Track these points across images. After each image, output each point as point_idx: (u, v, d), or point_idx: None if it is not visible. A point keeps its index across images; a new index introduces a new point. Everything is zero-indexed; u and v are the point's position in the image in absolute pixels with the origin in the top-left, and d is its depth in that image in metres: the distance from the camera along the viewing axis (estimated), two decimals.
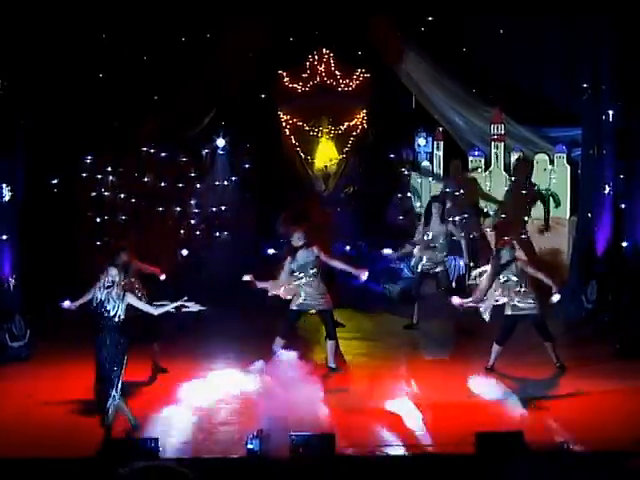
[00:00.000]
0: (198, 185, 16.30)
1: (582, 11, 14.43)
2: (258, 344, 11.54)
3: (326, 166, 17.06)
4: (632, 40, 13.54)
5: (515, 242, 11.77)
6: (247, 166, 16.54)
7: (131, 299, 8.90)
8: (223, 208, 16.34)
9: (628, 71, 13.69)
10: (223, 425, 8.90)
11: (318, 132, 17.05)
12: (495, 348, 10.82)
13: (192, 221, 16.16)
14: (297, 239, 11.06)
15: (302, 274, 10.99)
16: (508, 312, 10.77)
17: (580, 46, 15.55)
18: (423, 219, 14.00)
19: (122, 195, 15.78)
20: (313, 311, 11.44)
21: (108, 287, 8.72)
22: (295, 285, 11.01)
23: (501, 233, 14.61)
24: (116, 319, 8.71)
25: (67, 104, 14.48)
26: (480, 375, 10.62)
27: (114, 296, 8.73)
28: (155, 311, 9.17)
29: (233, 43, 15.69)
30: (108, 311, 8.70)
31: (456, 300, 11.03)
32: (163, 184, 16.02)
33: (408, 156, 16.83)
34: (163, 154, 16.07)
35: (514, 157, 16.48)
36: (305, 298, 11.04)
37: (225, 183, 16.47)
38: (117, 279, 8.78)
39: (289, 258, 11.04)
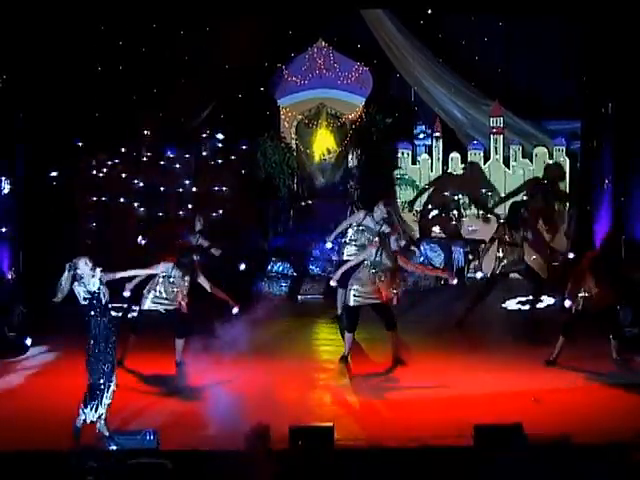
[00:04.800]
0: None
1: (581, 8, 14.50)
2: (260, 339, 11.57)
3: (325, 159, 17.07)
4: (631, 32, 13.54)
5: None
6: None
7: (103, 275, 8.43)
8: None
9: (627, 63, 13.68)
10: (224, 418, 8.89)
11: (317, 124, 17.05)
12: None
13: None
14: None
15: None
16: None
17: (579, 38, 15.57)
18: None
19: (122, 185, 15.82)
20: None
21: (93, 277, 8.28)
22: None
23: None
24: (107, 304, 8.37)
25: (66, 96, 14.48)
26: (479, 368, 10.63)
27: (99, 281, 8.31)
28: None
29: (232, 36, 15.68)
30: (101, 300, 8.31)
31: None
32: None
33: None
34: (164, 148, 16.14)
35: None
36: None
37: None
38: (89, 266, 8.30)
39: None
